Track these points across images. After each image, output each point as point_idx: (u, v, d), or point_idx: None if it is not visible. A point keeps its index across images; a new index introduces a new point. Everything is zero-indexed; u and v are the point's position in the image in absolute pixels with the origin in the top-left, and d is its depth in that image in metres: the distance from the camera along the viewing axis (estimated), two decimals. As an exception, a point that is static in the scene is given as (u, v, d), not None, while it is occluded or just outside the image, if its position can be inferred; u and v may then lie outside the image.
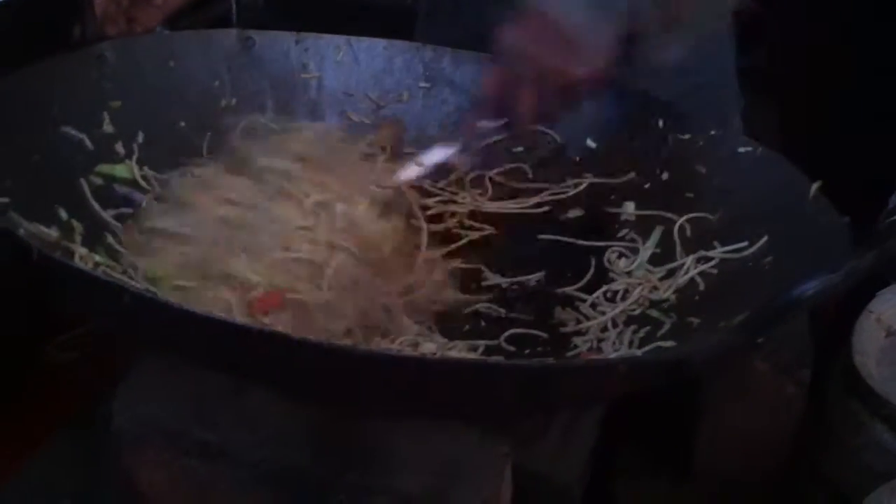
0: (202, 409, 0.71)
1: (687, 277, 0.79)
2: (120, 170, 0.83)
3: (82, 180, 0.81)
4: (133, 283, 0.70)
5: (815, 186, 0.79)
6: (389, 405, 0.63)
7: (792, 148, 0.86)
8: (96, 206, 0.80)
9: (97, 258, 0.73)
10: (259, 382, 0.66)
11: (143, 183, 0.84)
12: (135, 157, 0.85)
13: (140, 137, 0.86)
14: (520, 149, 0.96)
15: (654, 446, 0.84)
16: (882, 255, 0.60)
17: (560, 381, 0.58)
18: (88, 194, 0.80)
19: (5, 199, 0.71)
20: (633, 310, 0.80)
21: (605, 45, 0.80)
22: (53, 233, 0.73)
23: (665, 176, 0.89)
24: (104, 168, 0.83)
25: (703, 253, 0.80)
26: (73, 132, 0.82)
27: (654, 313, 0.79)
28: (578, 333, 0.79)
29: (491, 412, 0.65)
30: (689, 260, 0.81)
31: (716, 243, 0.81)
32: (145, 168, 0.85)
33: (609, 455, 0.80)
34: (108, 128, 0.85)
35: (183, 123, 0.90)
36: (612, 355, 0.75)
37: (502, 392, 0.59)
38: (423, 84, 0.99)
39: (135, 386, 0.73)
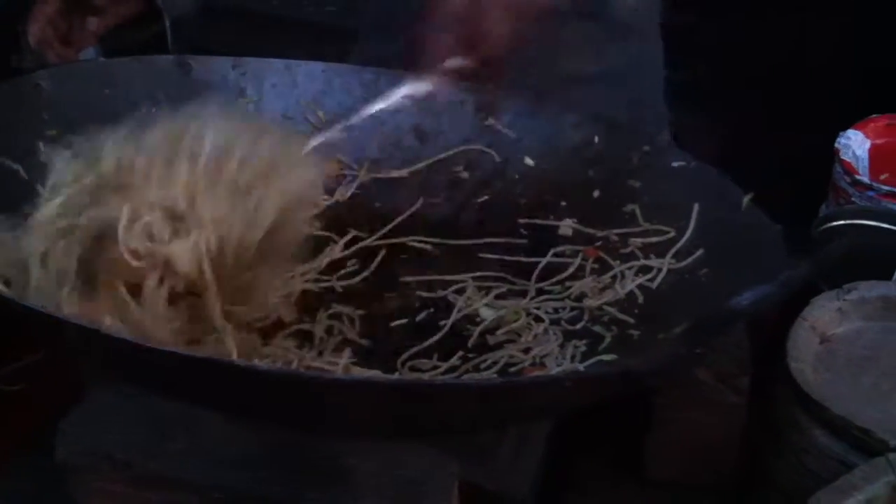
0: (152, 437, 0.71)
1: (624, 291, 0.80)
2: None
3: (21, 211, 0.80)
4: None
5: (747, 198, 0.81)
6: (339, 427, 0.63)
7: (726, 159, 0.89)
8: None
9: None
10: (208, 409, 0.66)
11: None
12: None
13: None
14: (460, 167, 0.97)
15: (608, 455, 0.85)
16: (816, 265, 0.62)
17: (507, 398, 0.59)
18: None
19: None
20: (574, 324, 0.82)
21: None
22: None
23: (601, 192, 0.90)
24: None
25: (638, 265, 0.82)
26: (7, 163, 0.82)
27: (596, 327, 0.81)
28: (527, 351, 0.80)
29: (438, 430, 0.66)
30: (628, 274, 0.82)
31: (652, 256, 0.82)
32: None
33: (563, 466, 0.81)
34: (44, 157, 0.85)
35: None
36: (555, 370, 0.76)
37: (451, 410, 0.59)
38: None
39: (82, 415, 0.72)
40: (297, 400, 0.57)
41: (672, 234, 0.83)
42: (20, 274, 0.71)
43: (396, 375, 0.73)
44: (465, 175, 0.97)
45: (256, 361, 0.70)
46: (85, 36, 0.94)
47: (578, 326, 0.82)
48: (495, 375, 0.77)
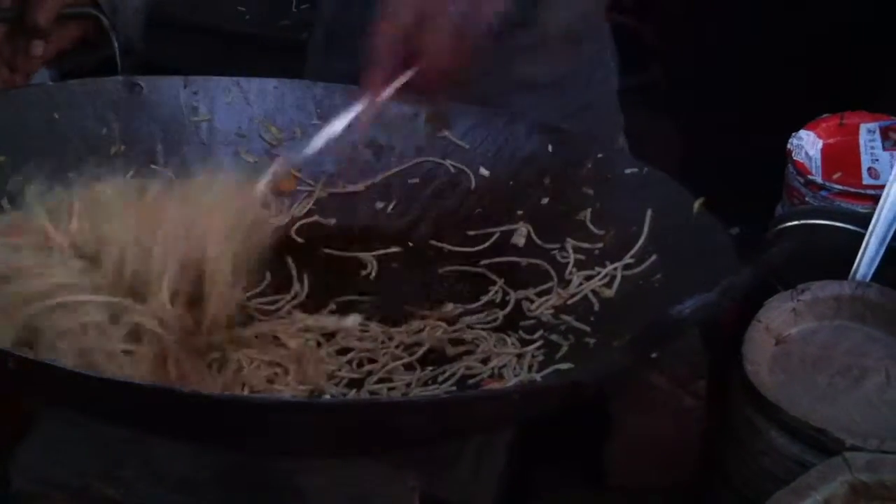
0: (104, 464, 0.70)
1: (577, 298, 0.80)
2: None
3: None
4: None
5: (698, 203, 0.81)
6: (289, 448, 0.63)
7: (682, 164, 0.89)
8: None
9: None
10: (157, 435, 0.65)
11: None
12: None
13: (31, 191, 0.85)
14: (416, 180, 0.97)
15: (570, 463, 0.85)
16: (758, 270, 0.62)
17: (457, 413, 0.59)
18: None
19: None
20: (532, 333, 0.82)
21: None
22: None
23: (553, 200, 0.90)
24: None
25: (591, 272, 0.82)
26: (-42, 190, 0.81)
27: (553, 336, 0.81)
28: (485, 361, 0.80)
29: (392, 447, 0.65)
30: (583, 281, 0.83)
31: (607, 263, 0.83)
32: None
33: (525, 475, 0.81)
34: None
35: (71, 175, 0.89)
36: (513, 381, 0.76)
37: (401, 427, 0.59)
38: (315, 121, 1.00)
39: (35, 445, 0.72)
40: (240, 423, 0.57)
41: (626, 240, 0.83)
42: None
43: (347, 395, 0.73)
44: (421, 187, 0.97)
45: (204, 388, 0.69)
46: (31, 61, 0.93)
47: (536, 336, 0.82)
48: (454, 388, 0.77)
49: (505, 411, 0.61)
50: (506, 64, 1.01)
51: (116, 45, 0.96)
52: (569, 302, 0.83)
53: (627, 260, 0.82)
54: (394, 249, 0.93)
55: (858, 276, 0.86)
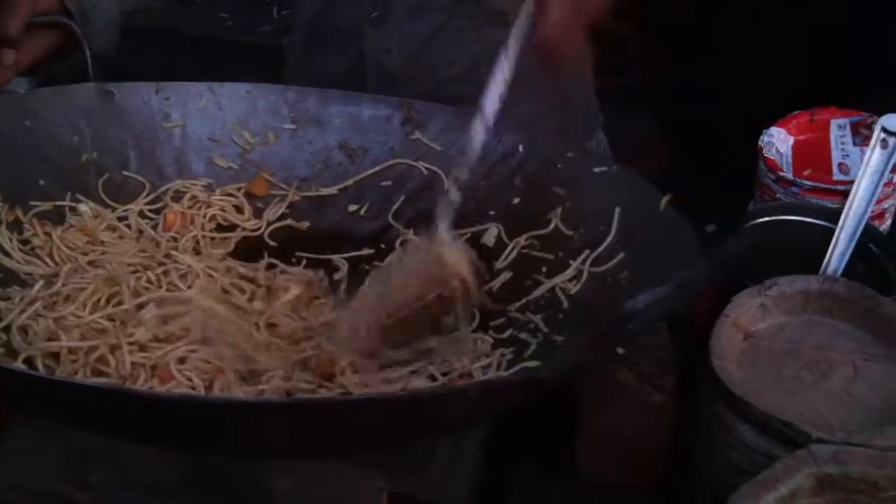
0: (74, 469, 0.70)
1: (541, 294, 0.81)
2: None
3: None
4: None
5: (665, 200, 0.82)
6: (251, 449, 0.63)
7: (662, 164, 0.89)
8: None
9: None
10: (129, 440, 0.65)
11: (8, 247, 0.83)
12: (3, 223, 0.84)
13: (-1, 201, 0.86)
14: (388, 182, 0.98)
15: (542, 459, 0.85)
16: (713, 264, 0.62)
17: (414, 411, 0.59)
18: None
19: None
20: (501, 333, 0.82)
21: None
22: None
23: (524, 199, 0.91)
24: None
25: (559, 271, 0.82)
26: (-72, 199, 0.81)
27: (522, 335, 0.81)
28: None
29: (357, 446, 0.66)
30: (551, 280, 0.83)
31: (574, 261, 0.83)
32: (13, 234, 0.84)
33: (497, 471, 0.81)
34: None
35: (42, 182, 0.89)
36: (482, 378, 0.76)
37: (360, 426, 0.59)
38: (288, 126, 1.00)
39: (6, 452, 0.72)
40: (203, 425, 0.57)
41: (594, 238, 0.84)
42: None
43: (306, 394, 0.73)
44: (394, 189, 0.97)
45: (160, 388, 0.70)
46: (3, 70, 0.93)
47: (506, 335, 0.82)
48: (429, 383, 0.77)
49: (465, 408, 0.61)
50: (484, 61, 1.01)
51: (88, 52, 0.96)
52: (538, 301, 0.83)
53: (594, 257, 0.82)
54: (366, 251, 0.93)
55: (829, 271, 0.87)
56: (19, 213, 0.85)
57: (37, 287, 0.78)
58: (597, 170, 0.89)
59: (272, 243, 0.93)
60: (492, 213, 0.92)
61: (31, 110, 0.92)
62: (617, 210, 0.84)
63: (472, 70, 1.04)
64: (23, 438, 0.73)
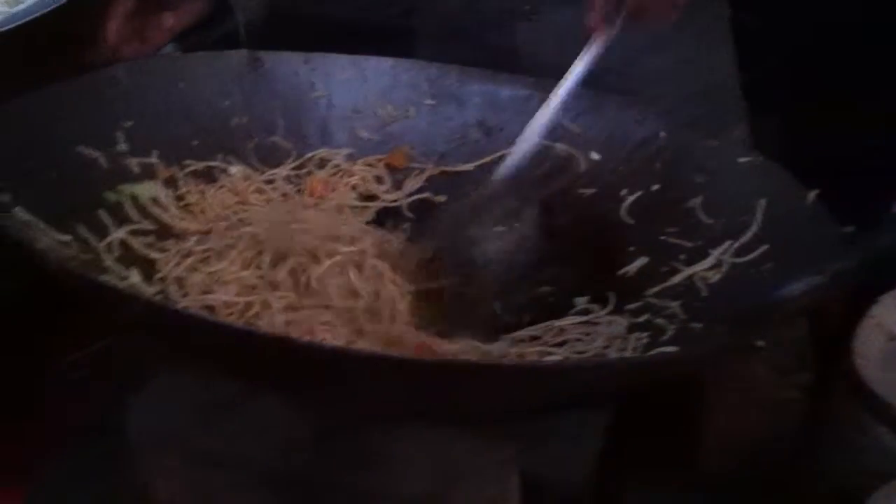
0: (209, 418, 0.73)
1: (679, 281, 0.80)
2: (141, 189, 0.85)
3: (100, 197, 0.83)
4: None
5: (812, 195, 0.80)
6: (395, 407, 0.64)
7: (797, 158, 0.88)
8: (111, 222, 0.82)
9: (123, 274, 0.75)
10: (268, 388, 0.67)
11: (164, 202, 0.86)
12: (160, 180, 0.88)
13: (154, 156, 0.89)
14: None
15: (661, 450, 0.85)
16: (869, 257, 0.61)
17: (559, 381, 0.60)
18: (105, 211, 0.82)
19: (29, 217, 0.73)
20: (637, 318, 0.82)
21: None
22: (73, 246, 0.75)
23: (664, 186, 0.90)
24: (126, 187, 0.84)
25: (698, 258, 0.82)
26: (88, 151, 0.85)
27: (659, 321, 0.81)
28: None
29: (494, 413, 0.67)
30: (691, 268, 0.82)
31: (716, 251, 0.82)
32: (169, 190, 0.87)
33: (616, 459, 0.81)
34: (122, 147, 0.88)
35: (195, 142, 0.92)
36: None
37: (506, 392, 0.60)
38: (428, 101, 1.01)
39: (148, 397, 0.75)
40: (349, 378, 0.59)
41: (736, 229, 0.83)
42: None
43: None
44: (530, 169, 0.98)
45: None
46: (159, 33, 0.96)
47: (642, 319, 0.82)
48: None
49: (607, 382, 0.62)
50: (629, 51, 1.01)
51: (241, 20, 0.99)
52: (676, 287, 0.82)
53: (737, 248, 0.81)
54: (499, 229, 0.94)
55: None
56: (175, 170, 0.88)
57: (192, 241, 0.81)
58: (741, 160, 0.88)
59: (409, 215, 0.95)
60: (630, 199, 0.92)
61: (185, 73, 0.94)
62: (761, 202, 0.83)
63: (625, 60, 1.03)
64: (163, 385, 0.75)
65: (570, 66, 0.89)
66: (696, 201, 0.87)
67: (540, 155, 0.97)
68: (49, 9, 0.80)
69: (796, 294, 0.61)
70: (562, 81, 0.90)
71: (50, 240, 0.73)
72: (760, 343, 0.70)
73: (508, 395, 0.61)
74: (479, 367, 0.63)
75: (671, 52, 1.07)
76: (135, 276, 0.76)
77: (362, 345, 0.72)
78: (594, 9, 0.87)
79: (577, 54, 0.89)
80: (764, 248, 0.80)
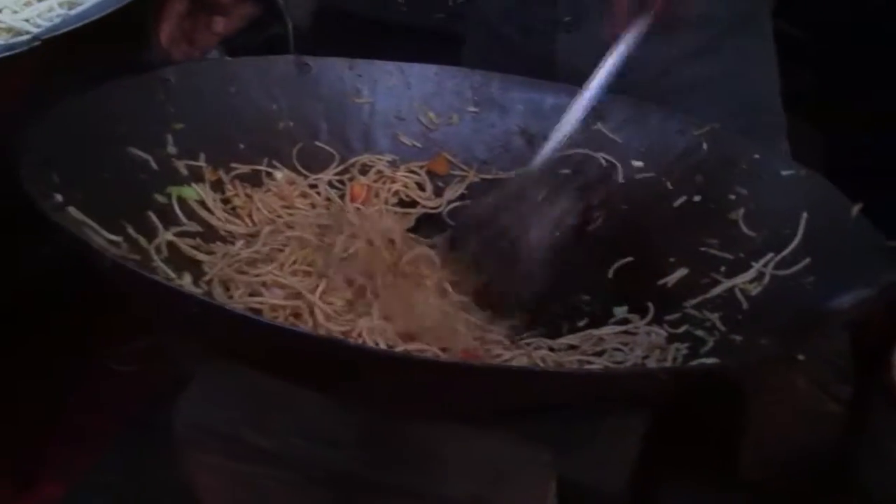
0: (257, 416, 0.74)
1: (719, 293, 0.80)
2: (189, 191, 0.87)
3: (150, 198, 0.84)
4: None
5: (856, 208, 0.80)
6: (436, 410, 0.65)
7: (837, 171, 0.88)
8: (160, 224, 0.83)
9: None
10: (316, 388, 0.68)
11: (211, 205, 0.88)
12: (207, 182, 0.89)
13: (202, 159, 0.90)
14: (566, 171, 0.99)
15: (700, 459, 0.85)
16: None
17: (604, 387, 0.60)
18: (154, 213, 0.83)
19: (81, 217, 0.74)
20: (676, 328, 0.82)
21: None
22: (123, 246, 0.76)
23: (705, 197, 0.90)
24: (174, 190, 0.86)
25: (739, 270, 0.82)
26: (139, 153, 0.86)
27: (699, 332, 0.81)
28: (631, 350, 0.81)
29: (537, 415, 0.67)
30: (731, 280, 0.83)
31: (757, 263, 0.82)
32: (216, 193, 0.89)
33: (653, 466, 0.82)
34: (171, 149, 0.89)
35: (242, 146, 0.94)
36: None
37: (548, 396, 0.61)
38: (471, 108, 1.02)
39: (195, 393, 0.76)
40: (394, 379, 0.60)
41: (778, 241, 0.83)
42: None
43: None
44: (571, 178, 0.98)
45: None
46: (209, 36, 0.98)
47: (681, 330, 0.82)
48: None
49: (649, 390, 0.62)
50: (668, 63, 1.02)
51: (289, 24, 1.00)
52: (715, 299, 0.83)
53: (778, 261, 0.82)
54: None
55: None
56: (221, 173, 0.90)
57: (238, 244, 0.82)
58: (784, 173, 0.88)
59: (450, 222, 0.96)
60: (670, 208, 0.92)
61: (234, 76, 0.96)
62: (804, 214, 0.83)
63: (663, 73, 1.04)
64: (210, 381, 0.76)
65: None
66: (738, 213, 0.88)
67: (581, 164, 0.98)
68: (105, 12, 0.82)
69: (845, 307, 0.61)
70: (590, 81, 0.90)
71: (101, 239, 0.75)
72: (801, 357, 0.70)
73: (553, 399, 0.61)
74: (525, 373, 0.63)
75: (713, 63, 1.08)
76: (186, 278, 0.77)
77: (411, 349, 0.73)
78: (617, 12, 0.88)
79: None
80: (806, 261, 0.80)
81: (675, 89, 1.04)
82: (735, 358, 0.70)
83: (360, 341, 0.72)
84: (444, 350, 0.74)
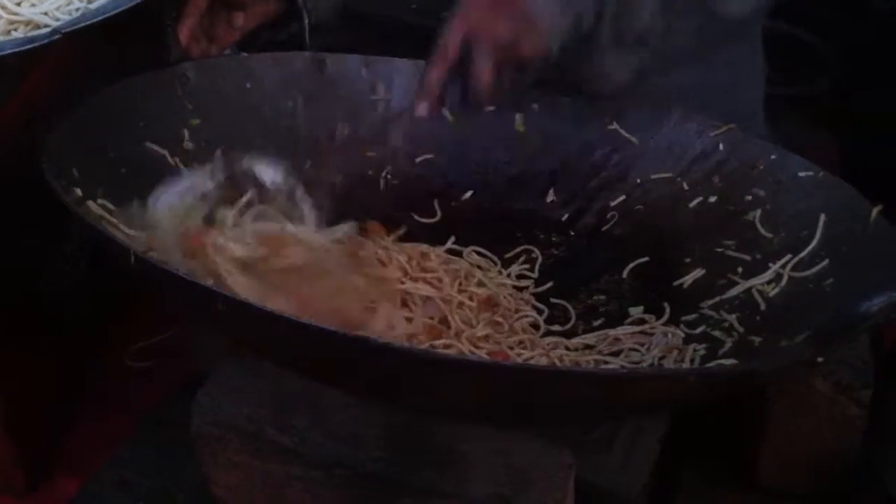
0: (278, 412, 0.74)
1: (736, 294, 0.80)
2: None
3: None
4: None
5: (876, 210, 0.80)
6: (463, 409, 0.65)
7: (852, 175, 0.88)
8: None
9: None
10: (338, 385, 0.68)
11: None
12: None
13: (218, 154, 0.90)
14: (583, 171, 0.98)
15: (719, 461, 0.85)
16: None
17: (628, 390, 0.60)
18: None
19: (100, 211, 0.74)
20: (693, 329, 0.82)
21: (559, 29, 0.84)
22: (141, 241, 0.76)
23: (722, 198, 0.90)
24: None
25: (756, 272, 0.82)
26: (156, 148, 0.86)
27: (716, 333, 0.81)
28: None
29: (561, 418, 0.67)
30: (749, 281, 0.83)
31: (774, 264, 0.82)
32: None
33: (672, 470, 0.82)
34: (187, 144, 0.89)
35: (259, 141, 0.93)
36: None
37: (571, 398, 0.61)
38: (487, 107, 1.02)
39: (214, 389, 0.76)
40: (425, 380, 0.60)
41: (797, 243, 0.83)
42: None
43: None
44: (587, 178, 0.98)
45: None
46: (229, 32, 0.98)
47: (698, 331, 0.82)
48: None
49: (676, 393, 0.62)
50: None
51: (307, 22, 1.00)
52: (733, 300, 0.83)
53: (796, 262, 0.81)
54: (554, 238, 0.95)
55: None
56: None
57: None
58: (802, 174, 0.88)
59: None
60: (687, 209, 0.92)
61: (251, 73, 0.96)
62: (822, 216, 0.83)
63: (690, 90, 1.02)
64: (232, 378, 0.76)
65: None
66: (755, 214, 0.88)
67: (597, 164, 0.98)
68: (125, 6, 0.81)
69: (876, 309, 0.61)
70: None
71: (120, 234, 0.74)
72: (820, 360, 0.70)
73: (578, 401, 0.61)
74: (557, 374, 0.63)
75: (702, 73, 1.06)
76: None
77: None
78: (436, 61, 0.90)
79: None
80: (825, 262, 0.80)
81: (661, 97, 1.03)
82: (766, 360, 0.69)
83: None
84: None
